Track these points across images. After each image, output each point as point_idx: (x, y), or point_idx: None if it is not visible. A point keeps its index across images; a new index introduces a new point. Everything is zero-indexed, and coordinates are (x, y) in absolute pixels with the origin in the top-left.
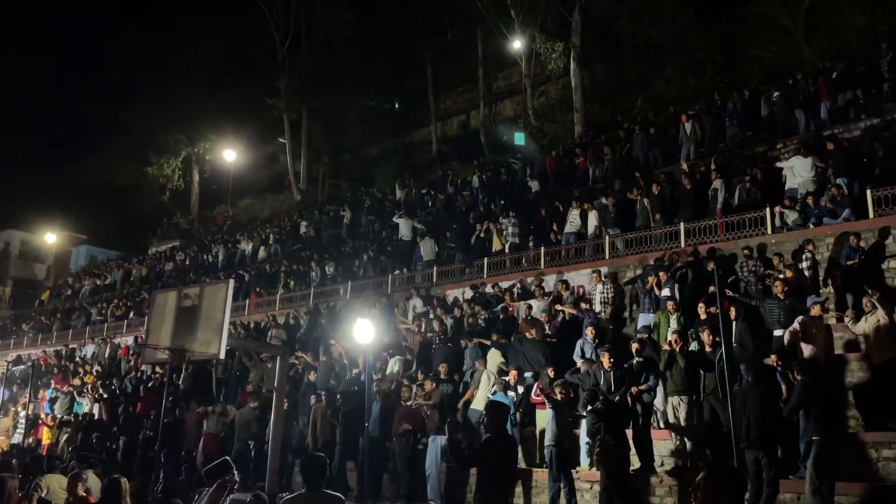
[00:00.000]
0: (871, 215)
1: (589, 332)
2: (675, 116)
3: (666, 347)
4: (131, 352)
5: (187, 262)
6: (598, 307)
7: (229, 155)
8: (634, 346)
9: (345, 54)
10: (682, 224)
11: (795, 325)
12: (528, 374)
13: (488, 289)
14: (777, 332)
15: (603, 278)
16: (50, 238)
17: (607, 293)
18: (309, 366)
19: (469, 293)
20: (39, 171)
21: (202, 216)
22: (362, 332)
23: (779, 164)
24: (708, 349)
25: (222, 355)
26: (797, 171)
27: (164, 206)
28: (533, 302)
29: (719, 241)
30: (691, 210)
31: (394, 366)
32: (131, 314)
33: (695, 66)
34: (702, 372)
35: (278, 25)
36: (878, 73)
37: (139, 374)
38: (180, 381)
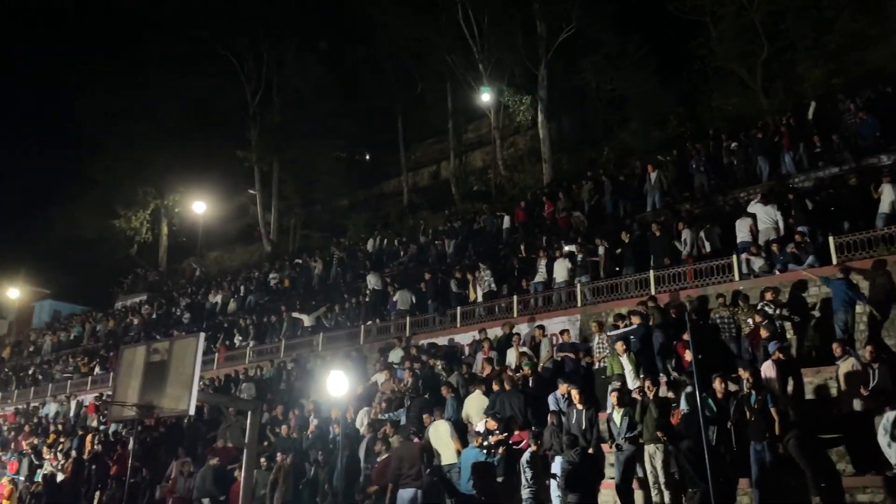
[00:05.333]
0: (834, 261)
1: (562, 388)
2: (642, 166)
3: (636, 395)
4: (102, 410)
5: (154, 316)
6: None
7: (199, 207)
8: (613, 395)
9: (315, 107)
10: (651, 272)
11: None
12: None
13: (465, 337)
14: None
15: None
16: (12, 293)
17: (602, 343)
18: (276, 420)
19: (443, 341)
20: (2, 225)
21: (171, 269)
22: (336, 384)
23: (748, 212)
24: (720, 397)
25: (192, 411)
26: (759, 219)
27: (132, 259)
28: (509, 351)
29: (688, 287)
30: (660, 257)
31: (363, 418)
32: (96, 370)
33: (658, 117)
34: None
35: (249, 79)
36: (834, 125)
37: (117, 432)
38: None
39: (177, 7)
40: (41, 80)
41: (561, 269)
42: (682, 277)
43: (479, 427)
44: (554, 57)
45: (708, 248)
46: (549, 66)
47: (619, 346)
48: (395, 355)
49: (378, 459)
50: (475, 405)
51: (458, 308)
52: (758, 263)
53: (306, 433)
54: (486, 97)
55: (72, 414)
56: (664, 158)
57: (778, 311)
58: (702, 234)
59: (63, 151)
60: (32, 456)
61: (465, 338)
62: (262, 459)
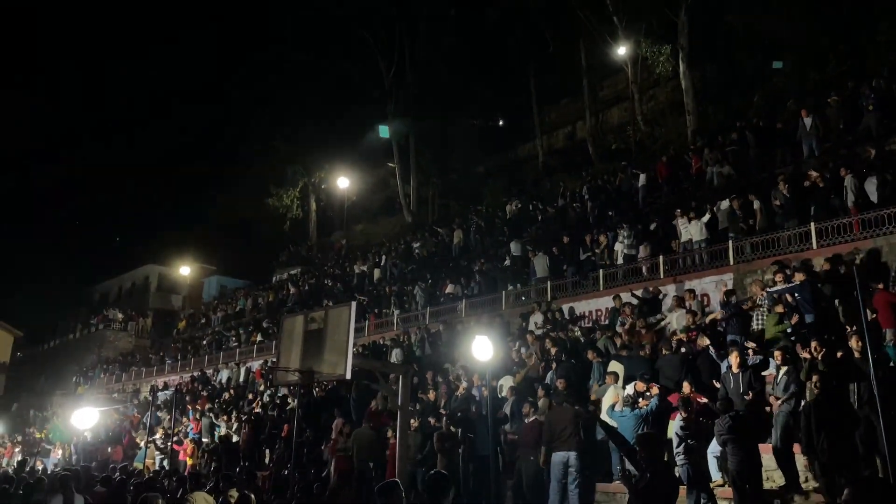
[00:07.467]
0: None
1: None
2: (797, 110)
3: (805, 355)
4: (268, 376)
5: (306, 288)
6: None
7: (343, 182)
8: (777, 354)
9: (448, 77)
10: (812, 224)
11: None
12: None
13: (608, 301)
14: None
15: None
16: (184, 271)
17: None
18: (424, 385)
19: (583, 306)
20: (172, 210)
21: (320, 243)
22: (481, 349)
23: None
24: (857, 356)
25: (348, 375)
26: None
27: (285, 234)
28: (673, 316)
29: (855, 240)
30: (822, 209)
31: (505, 384)
32: (258, 338)
33: (815, 57)
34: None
35: (384, 54)
36: None
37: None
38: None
39: None
40: (200, 76)
41: (698, 228)
42: (849, 229)
43: (629, 390)
44: (695, 1)
45: (876, 196)
46: (690, 11)
47: (779, 306)
48: (536, 320)
49: (526, 421)
50: (622, 369)
51: (601, 271)
52: None
53: (455, 397)
54: (622, 50)
55: (241, 379)
56: (832, 99)
57: None
58: (869, 180)
59: (220, 140)
60: (211, 418)
61: (607, 301)
62: (413, 421)
